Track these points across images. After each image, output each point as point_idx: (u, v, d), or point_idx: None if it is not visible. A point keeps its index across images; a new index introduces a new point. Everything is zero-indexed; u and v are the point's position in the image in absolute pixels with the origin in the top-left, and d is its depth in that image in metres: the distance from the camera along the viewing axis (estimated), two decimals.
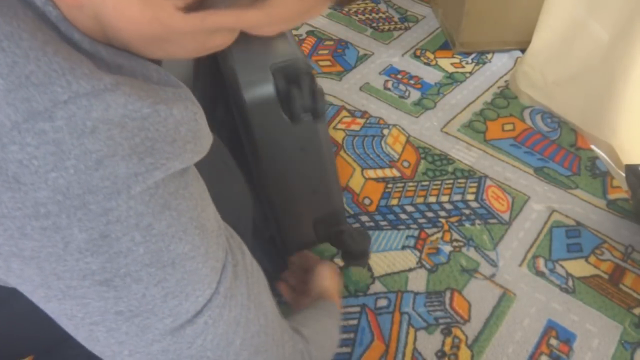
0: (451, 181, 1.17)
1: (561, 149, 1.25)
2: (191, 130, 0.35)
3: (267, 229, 0.90)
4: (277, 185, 0.80)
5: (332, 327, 0.71)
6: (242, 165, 0.72)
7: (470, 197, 1.14)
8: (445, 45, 1.56)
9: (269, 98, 0.70)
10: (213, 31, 0.34)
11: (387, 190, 1.15)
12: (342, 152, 1.23)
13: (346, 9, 1.71)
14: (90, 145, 0.30)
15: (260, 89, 0.69)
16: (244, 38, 0.73)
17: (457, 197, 1.14)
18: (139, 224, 0.33)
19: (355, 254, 0.90)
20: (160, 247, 0.35)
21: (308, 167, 0.79)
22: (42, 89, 0.29)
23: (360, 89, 1.41)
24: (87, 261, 0.32)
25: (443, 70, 1.47)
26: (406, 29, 1.63)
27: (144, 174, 0.32)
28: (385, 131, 1.29)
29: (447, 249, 1.04)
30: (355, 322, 0.93)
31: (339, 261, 0.99)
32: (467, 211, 1.11)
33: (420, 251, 1.04)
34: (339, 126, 1.29)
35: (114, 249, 0.33)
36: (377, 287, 0.98)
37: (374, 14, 1.70)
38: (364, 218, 1.09)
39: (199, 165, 0.40)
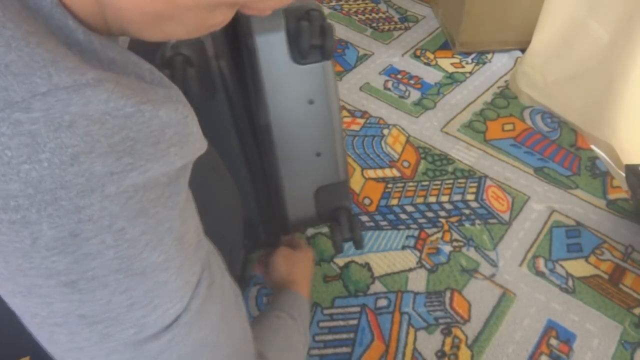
0: (451, 181, 1.17)
1: (561, 149, 1.25)
2: (178, 134, 0.34)
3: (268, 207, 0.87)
4: (280, 141, 0.77)
5: (296, 335, 0.67)
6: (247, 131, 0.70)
7: (470, 197, 1.14)
8: (445, 45, 1.56)
9: (279, 39, 0.68)
10: (214, 7, 0.34)
11: (387, 190, 1.15)
12: None
13: (346, 9, 1.71)
14: (66, 139, 0.29)
15: (270, 30, 0.67)
16: None
17: (457, 197, 1.14)
18: (112, 227, 0.32)
19: (343, 239, 0.87)
20: (132, 253, 0.33)
21: (314, 124, 0.76)
22: (22, 79, 0.29)
23: (360, 89, 1.41)
24: (53, 260, 0.31)
25: (443, 70, 1.47)
26: (406, 29, 1.63)
27: (119, 173, 0.31)
28: (385, 131, 1.29)
29: (447, 249, 1.04)
30: (355, 322, 0.93)
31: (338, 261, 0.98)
32: (467, 211, 1.11)
33: (420, 251, 1.04)
34: None
35: (82, 249, 0.32)
36: (377, 287, 0.98)
37: (374, 14, 1.70)
38: (364, 218, 1.09)
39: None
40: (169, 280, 0.36)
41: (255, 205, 0.81)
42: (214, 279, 0.41)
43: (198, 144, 0.37)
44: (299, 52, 0.69)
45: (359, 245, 0.87)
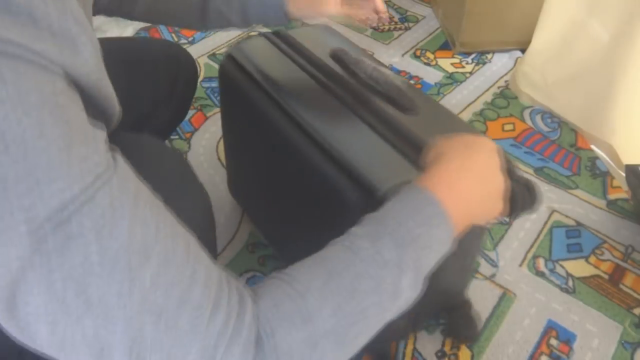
0: None
1: (561, 149, 1.25)
2: None
3: None
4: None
5: (357, 266, 0.40)
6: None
7: None
8: (446, 45, 1.56)
9: None
10: None
11: None
12: None
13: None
14: None
15: None
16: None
17: None
18: None
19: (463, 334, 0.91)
20: None
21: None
22: None
23: None
24: None
25: (443, 70, 1.47)
26: (406, 29, 1.63)
27: None
28: None
29: None
30: None
31: None
32: None
33: None
34: None
35: None
36: None
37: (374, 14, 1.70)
38: None
39: (152, 180, 0.36)
40: (51, 160, 0.31)
41: None
42: (131, 184, 0.36)
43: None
44: (511, 214, 0.62)
45: (475, 341, 0.90)
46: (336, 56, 0.81)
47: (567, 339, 0.91)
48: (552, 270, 1.01)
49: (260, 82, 0.78)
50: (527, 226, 1.08)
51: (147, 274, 0.34)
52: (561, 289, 0.98)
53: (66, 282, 0.32)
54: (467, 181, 0.47)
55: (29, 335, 0.33)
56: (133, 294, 0.34)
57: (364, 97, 0.74)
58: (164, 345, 0.35)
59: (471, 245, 0.77)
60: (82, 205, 0.32)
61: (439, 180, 0.46)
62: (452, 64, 1.49)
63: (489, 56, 1.52)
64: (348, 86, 0.76)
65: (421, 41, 1.58)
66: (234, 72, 0.83)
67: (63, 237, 0.32)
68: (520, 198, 0.60)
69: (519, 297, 0.97)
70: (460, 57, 1.52)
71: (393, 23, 1.66)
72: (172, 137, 1.24)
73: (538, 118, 1.33)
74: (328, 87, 0.76)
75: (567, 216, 1.10)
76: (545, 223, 1.09)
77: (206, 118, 1.31)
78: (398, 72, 1.46)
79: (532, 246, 1.05)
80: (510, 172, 0.61)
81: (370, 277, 0.40)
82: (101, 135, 0.36)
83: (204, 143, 1.25)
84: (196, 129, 1.29)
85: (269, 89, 0.77)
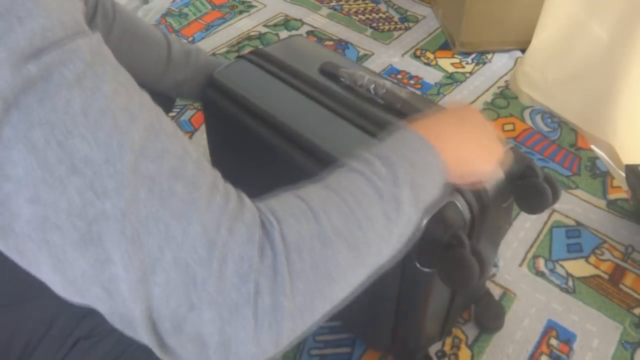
0: None
1: (561, 149, 1.25)
2: None
3: None
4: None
5: (363, 185, 0.41)
6: None
7: None
8: (445, 45, 1.56)
9: None
10: None
11: None
12: None
13: (346, 9, 1.71)
14: None
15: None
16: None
17: None
18: None
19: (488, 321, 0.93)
20: None
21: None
22: None
23: None
24: None
25: (443, 70, 1.47)
26: (406, 29, 1.63)
27: None
28: None
29: None
30: None
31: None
32: None
33: None
34: None
35: None
36: None
37: (374, 14, 1.70)
38: None
39: None
40: None
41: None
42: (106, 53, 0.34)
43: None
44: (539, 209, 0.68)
45: (495, 331, 0.92)
46: (326, 71, 0.80)
47: (567, 338, 0.91)
48: (552, 270, 1.01)
49: (254, 106, 0.76)
50: (527, 226, 1.08)
51: (136, 136, 0.32)
52: (561, 289, 0.98)
53: (47, 137, 0.29)
54: (443, 120, 0.53)
55: (8, 218, 0.30)
56: (123, 155, 0.31)
57: (367, 112, 0.73)
58: (161, 217, 0.32)
59: (494, 238, 0.79)
60: (64, 45, 0.31)
61: (416, 123, 0.50)
62: (452, 64, 1.49)
63: (489, 56, 1.52)
64: (347, 102, 0.75)
65: (421, 41, 1.58)
66: (220, 98, 0.80)
67: (44, 74, 0.30)
68: (545, 192, 0.65)
69: (519, 297, 0.97)
70: (460, 57, 1.52)
71: (393, 23, 1.66)
72: None
73: (538, 118, 1.33)
74: (327, 105, 0.75)
75: (567, 216, 1.10)
76: (545, 223, 1.09)
77: None
78: (398, 72, 1.46)
79: (532, 246, 1.05)
80: (531, 168, 0.66)
81: (369, 185, 0.41)
82: (80, 5, 0.34)
83: (204, 143, 1.25)
84: (196, 129, 1.28)
85: (266, 112, 0.75)
